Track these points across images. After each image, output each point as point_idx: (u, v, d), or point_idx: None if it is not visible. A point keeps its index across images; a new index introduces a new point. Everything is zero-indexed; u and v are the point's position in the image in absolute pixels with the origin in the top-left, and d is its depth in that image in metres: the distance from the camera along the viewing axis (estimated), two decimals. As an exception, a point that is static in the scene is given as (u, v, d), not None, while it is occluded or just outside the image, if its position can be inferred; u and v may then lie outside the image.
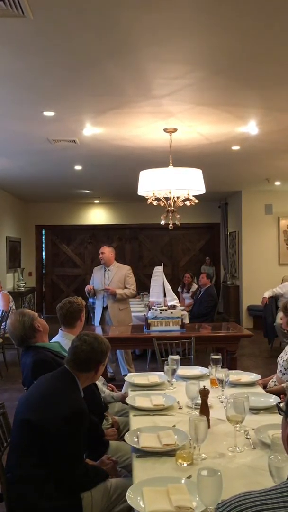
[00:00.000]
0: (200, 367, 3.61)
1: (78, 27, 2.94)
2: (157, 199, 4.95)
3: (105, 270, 5.99)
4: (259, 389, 3.12)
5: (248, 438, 2.28)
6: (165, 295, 5.46)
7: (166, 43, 3.17)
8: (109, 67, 3.56)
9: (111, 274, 5.94)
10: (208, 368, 3.33)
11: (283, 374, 3.33)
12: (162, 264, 5.66)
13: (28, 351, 2.88)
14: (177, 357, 3.27)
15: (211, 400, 2.59)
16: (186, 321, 6.11)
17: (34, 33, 3.02)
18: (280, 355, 3.46)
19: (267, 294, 7.52)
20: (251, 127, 5.17)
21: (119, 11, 2.77)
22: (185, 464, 2.04)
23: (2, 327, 6.58)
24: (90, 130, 5.21)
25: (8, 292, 7.82)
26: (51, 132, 5.34)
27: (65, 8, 2.71)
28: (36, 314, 2.99)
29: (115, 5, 2.69)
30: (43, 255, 12.70)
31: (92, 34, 3.05)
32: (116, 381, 5.40)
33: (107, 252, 6.03)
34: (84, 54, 3.34)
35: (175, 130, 5.09)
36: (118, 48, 3.25)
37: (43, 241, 12.68)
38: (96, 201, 11.96)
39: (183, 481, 1.87)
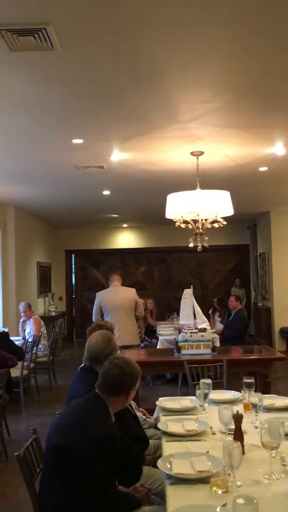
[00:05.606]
0: (232, 391, 3.54)
1: (104, 57, 3.02)
2: (185, 222, 4.97)
3: None
4: (295, 414, 3.04)
5: (284, 465, 2.21)
6: (195, 318, 5.42)
7: (190, 69, 3.23)
8: (135, 94, 3.64)
9: None
10: (240, 392, 3.27)
11: None
12: (191, 286, 5.63)
13: (85, 375, 2.85)
14: (209, 381, 3.22)
15: (245, 425, 2.53)
16: (217, 344, 6.04)
17: (62, 65, 3.12)
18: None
19: None
20: (278, 148, 5.16)
21: (143, 41, 2.84)
22: (219, 492, 1.98)
23: (33, 351, 6.63)
24: (118, 155, 5.30)
25: (39, 316, 7.90)
26: (79, 159, 5.46)
27: (91, 39, 2.80)
28: (119, 351, 2.97)
29: (139, 35, 2.77)
30: (73, 279, 12.83)
31: (117, 64, 3.13)
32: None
33: None
34: (110, 83, 3.43)
35: (201, 153, 5.12)
36: (143, 76, 3.32)
37: (73, 266, 12.82)
38: (125, 225, 12.07)
39: (218, 509, 1.83)
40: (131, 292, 6.28)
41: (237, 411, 2.49)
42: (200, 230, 4.92)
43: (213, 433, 2.73)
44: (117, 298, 6.13)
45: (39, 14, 2.52)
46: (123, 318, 5.94)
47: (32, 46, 2.80)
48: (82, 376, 2.88)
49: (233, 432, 2.42)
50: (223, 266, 12.58)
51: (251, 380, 3.06)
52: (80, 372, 2.93)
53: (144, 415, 3.50)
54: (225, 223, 4.91)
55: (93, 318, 6.19)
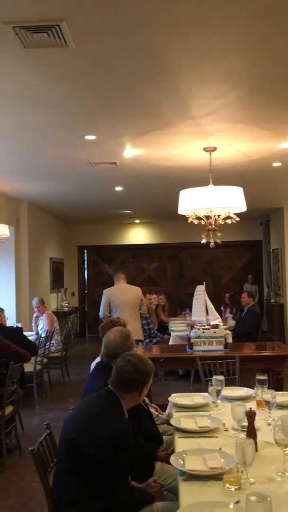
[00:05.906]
0: (245, 388, 3.54)
1: (117, 54, 3.02)
2: (198, 218, 4.94)
3: None
4: (308, 411, 3.02)
5: (297, 463, 2.21)
6: (207, 314, 5.41)
7: (203, 64, 3.21)
8: (148, 91, 3.63)
9: None
10: (253, 389, 3.26)
11: None
12: (204, 283, 5.62)
13: (100, 371, 2.86)
14: (221, 377, 3.21)
15: (258, 422, 2.52)
16: (230, 340, 6.02)
17: (76, 62, 3.12)
18: None
19: None
20: (292, 143, 5.11)
21: (156, 37, 2.82)
22: (232, 489, 1.99)
23: (46, 346, 6.67)
24: (131, 151, 5.29)
25: (52, 312, 7.95)
26: (92, 155, 5.46)
27: (105, 36, 2.79)
28: (135, 348, 3.00)
29: (152, 31, 2.75)
30: (85, 275, 12.87)
31: (130, 60, 3.12)
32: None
33: None
34: (123, 79, 3.42)
35: (214, 149, 5.09)
36: (156, 72, 3.31)
37: (85, 262, 12.87)
38: (137, 221, 12.07)
39: (231, 506, 1.83)
40: (137, 290, 6.53)
41: (250, 408, 2.48)
42: (213, 226, 4.89)
43: (226, 430, 2.73)
44: (125, 295, 6.31)
45: (53, 10, 2.51)
46: (130, 314, 6.08)
47: (45, 43, 2.80)
48: (97, 372, 2.89)
49: (246, 429, 2.42)
50: (235, 262, 12.53)
51: (264, 377, 3.05)
52: (96, 368, 2.94)
53: (157, 411, 3.51)
54: (238, 219, 4.87)
55: (101, 314, 6.28)
